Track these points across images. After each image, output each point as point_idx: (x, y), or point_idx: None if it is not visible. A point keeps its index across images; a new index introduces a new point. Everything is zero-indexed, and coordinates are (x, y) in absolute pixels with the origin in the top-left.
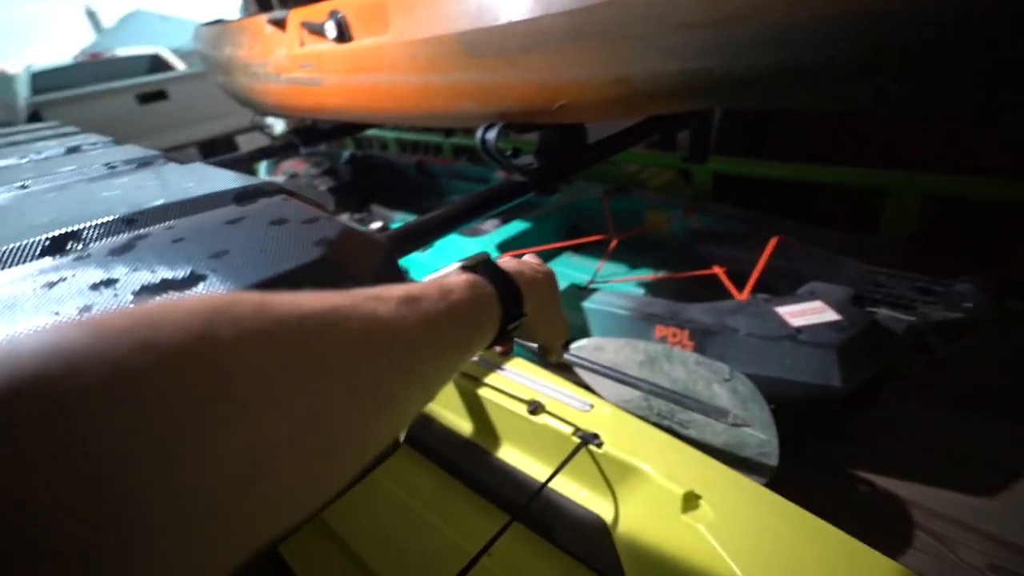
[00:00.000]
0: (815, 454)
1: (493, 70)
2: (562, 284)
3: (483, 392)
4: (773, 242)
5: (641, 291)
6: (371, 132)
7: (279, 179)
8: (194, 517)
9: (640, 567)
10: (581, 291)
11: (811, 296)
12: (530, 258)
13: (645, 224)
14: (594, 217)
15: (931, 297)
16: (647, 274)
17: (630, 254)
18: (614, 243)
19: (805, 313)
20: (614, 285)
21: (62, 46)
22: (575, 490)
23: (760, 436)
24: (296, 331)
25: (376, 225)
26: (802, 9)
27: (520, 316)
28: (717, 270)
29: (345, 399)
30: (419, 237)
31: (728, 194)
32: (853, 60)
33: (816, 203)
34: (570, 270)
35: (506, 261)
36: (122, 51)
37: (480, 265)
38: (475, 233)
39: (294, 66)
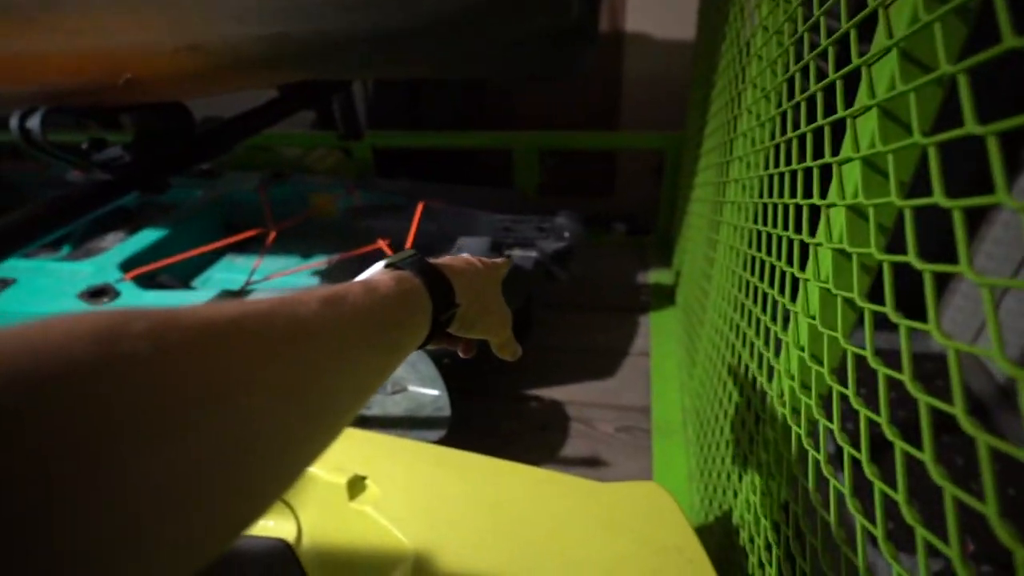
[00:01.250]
0: (496, 387)
1: (6, 36)
2: (215, 293)
3: None
4: (420, 208)
5: (314, 281)
6: None
7: None
8: (100, 556)
9: (324, 572)
10: (233, 297)
11: (459, 251)
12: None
13: (311, 209)
14: (253, 211)
15: (544, 233)
16: (317, 262)
17: (297, 244)
18: (272, 235)
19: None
20: (275, 282)
21: None
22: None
23: (432, 392)
24: (203, 344)
25: None
26: None
27: (452, 307)
28: (380, 243)
29: (268, 410)
30: None
31: (394, 168)
32: (419, 25)
33: (468, 166)
34: (235, 275)
35: (440, 259)
36: None
37: (406, 260)
38: (87, 254)
39: None
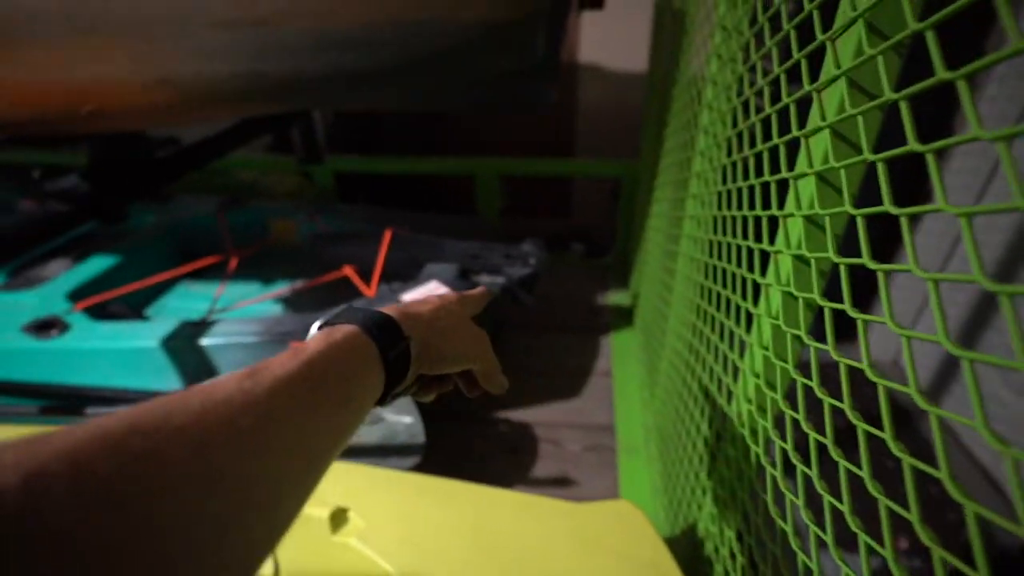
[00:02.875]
0: (466, 410)
1: None
2: (176, 323)
3: None
4: (388, 235)
5: (278, 309)
6: None
7: None
8: None
9: None
10: (196, 328)
11: (428, 278)
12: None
13: (270, 235)
14: (209, 236)
15: (511, 260)
16: (280, 289)
17: (259, 271)
18: (234, 262)
19: (424, 295)
20: (239, 311)
21: None
22: None
23: (406, 420)
24: (92, 456)
25: None
26: (336, 16)
27: (399, 341)
28: (347, 271)
29: (181, 512)
30: None
31: (355, 192)
32: (392, 65)
33: (429, 191)
34: (191, 303)
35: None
36: None
37: (339, 314)
38: (29, 283)
39: None
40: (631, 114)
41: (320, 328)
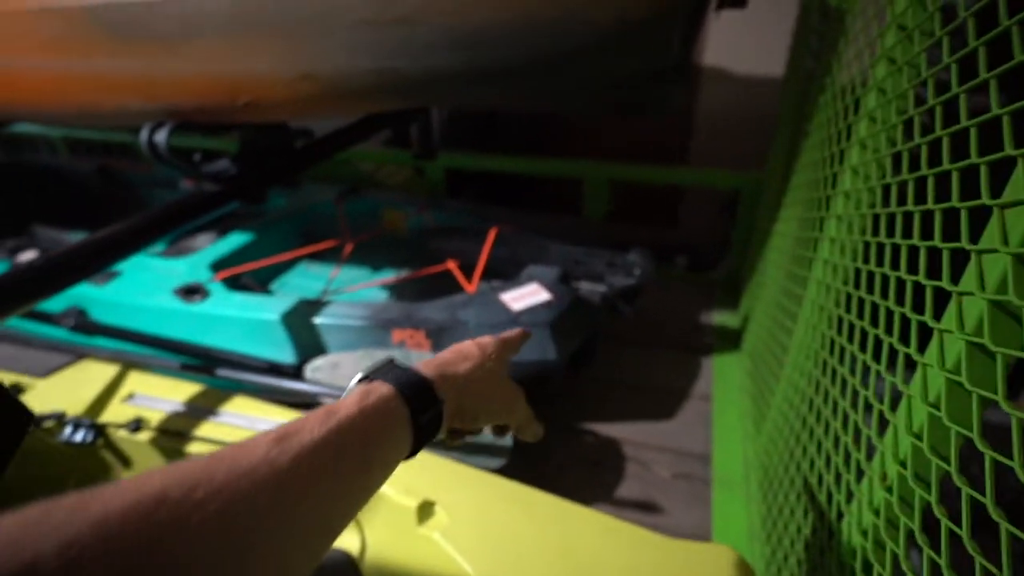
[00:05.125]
0: (552, 417)
1: (150, 58)
2: (295, 301)
3: (189, 446)
4: (493, 233)
5: (384, 296)
6: (24, 129)
7: None
8: None
9: None
10: (311, 306)
11: (529, 279)
12: (474, 341)
13: (382, 224)
14: (329, 222)
15: (614, 268)
16: (387, 277)
17: (370, 257)
18: (349, 248)
19: (524, 297)
20: (350, 294)
21: None
22: None
23: None
24: (122, 528)
25: (29, 255)
26: (472, 13)
27: (432, 404)
28: (451, 265)
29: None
30: (64, 275)
31: (463, 188)
32: (524, 63)
33: (537, 192)
34: (309, 281)
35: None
36: None
37: (379, 371)
38: (180, 252)
39: None
40: (755, 123)
41: (360, 381)
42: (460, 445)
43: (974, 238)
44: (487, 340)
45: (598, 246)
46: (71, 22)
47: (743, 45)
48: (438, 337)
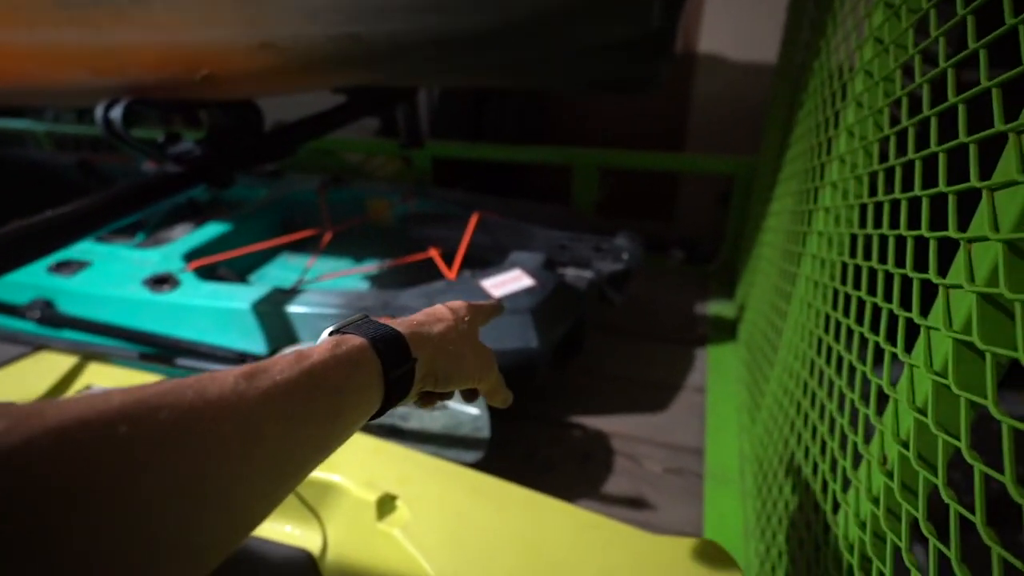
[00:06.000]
0: (537, 411)
1: (97, 27)
2: (267, 289)
3: None
4: (474, 219)
5: (365, 285)
6: (6, 125)
7: None
8: None
9: None
10: (284, 295)
11: (512, 266)
12: (446, 305)
13: (366, 214)
14: (312, 212)
15: (602, 253)
16: (369, 266)
17: (352, 247)
18: (327, 237)
19: (506, 283)
20: (326, 283)
21: None
22: (278, 527)
23: (472, 412)
24: (77, 438)
25: None
26: None
27: (405, 362)
28: (432, 252)
29: (147, 507)
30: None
31: (453, 177)
32: (490, 29)
33: (528, 181)
34: (288, 273)
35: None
36: None
37: (351, 324)
38: (157, 243)
39: None
40: (751, 112)
41: (331, 334)
42: (430, 409)
43: (963, 225)
44: (459, 304)
45: (585, 232)
46: None
47: (741, 30)
48: None
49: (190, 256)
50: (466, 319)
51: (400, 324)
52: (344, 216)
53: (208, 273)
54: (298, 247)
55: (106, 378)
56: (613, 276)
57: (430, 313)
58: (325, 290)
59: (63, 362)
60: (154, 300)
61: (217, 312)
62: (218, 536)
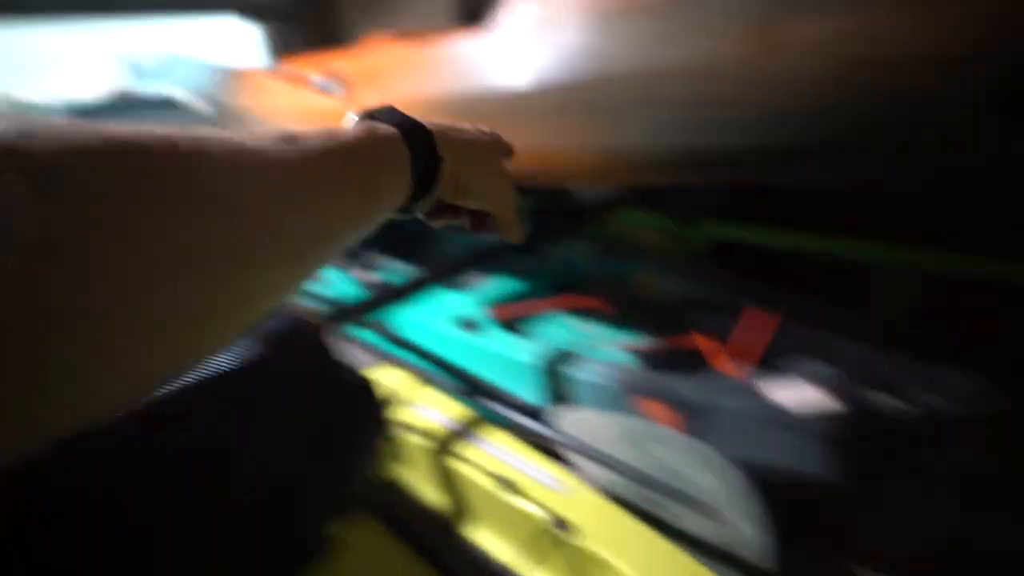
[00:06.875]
0: (819, 548)
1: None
2: (554, 350)
3: (454, 463)
4: (775, 321)
5: (628, 359)
6: None
7: None
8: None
9: None
10: (567, 358)
11: (800, 376)
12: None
13: (635, 287)
14: (583, 278)
15: (928, 385)
16: (634, 341)
17: (620, 318)
18: (601, 306)
19: (804, 397)
20: (600, 352)
21: (87, 83)
22: None
23: (754, 533)
24: (97, 150)
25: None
26: (776, 96)
27: (433, 160)
28: (707, 341)
29: (226, 231)
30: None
31: (727, 259)
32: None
33: (814, 273)
34: (560, 331)
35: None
36: (141, 91)
37: (382, 112)
38: (459, 286)
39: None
40: None
41: (361, 119)
42: (442, 225)
43: None
44: (481, 125)
45: (897, 350)
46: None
47: None
48: (690, 418)
49: (491, 302)
50: (488, 137)
51: (430, 123)
52: (612, 286)
53: (500, 320)
54: (568, 310)
55: (427, 399)
56: (939, 416)
57: (453, 123)
58: (601, 360)
59: (398, 377)
60: (464, 339)
61: (508, 361)
62: (255, 283)
